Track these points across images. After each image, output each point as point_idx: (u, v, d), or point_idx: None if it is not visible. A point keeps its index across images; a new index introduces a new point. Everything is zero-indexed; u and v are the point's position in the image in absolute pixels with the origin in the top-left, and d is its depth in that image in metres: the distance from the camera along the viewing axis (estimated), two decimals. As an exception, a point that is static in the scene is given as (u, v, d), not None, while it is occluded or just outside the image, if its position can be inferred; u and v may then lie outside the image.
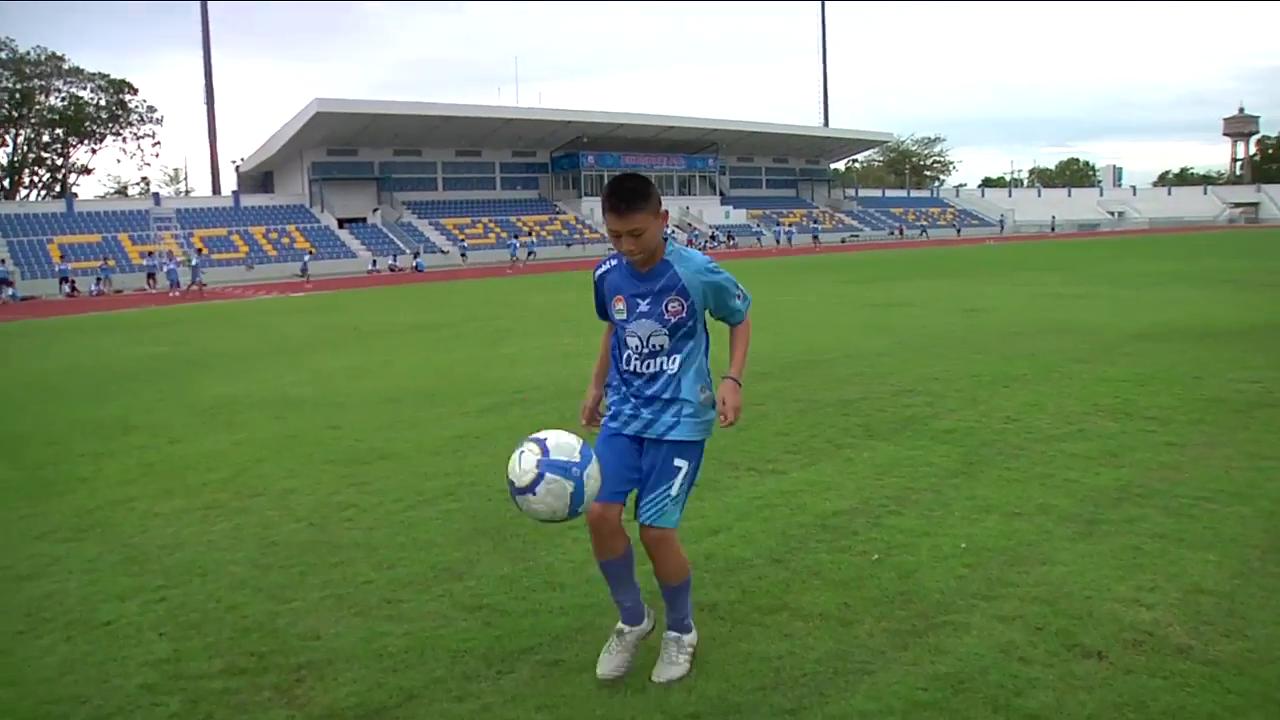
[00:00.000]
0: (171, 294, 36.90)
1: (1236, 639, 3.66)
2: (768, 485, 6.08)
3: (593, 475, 3.30)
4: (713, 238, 64.47)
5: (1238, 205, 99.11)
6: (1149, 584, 4.19)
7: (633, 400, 3.58)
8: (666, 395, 3.53)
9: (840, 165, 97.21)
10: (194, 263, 37.75)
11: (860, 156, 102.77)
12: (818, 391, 9.26)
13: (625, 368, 3.61)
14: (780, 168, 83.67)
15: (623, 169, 68.36)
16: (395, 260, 51.26)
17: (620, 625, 3.66)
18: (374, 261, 50.85)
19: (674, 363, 3.53)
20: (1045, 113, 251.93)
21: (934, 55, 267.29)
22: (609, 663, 3.57)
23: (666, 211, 3.48)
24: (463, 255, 54.54)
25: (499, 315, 20.59)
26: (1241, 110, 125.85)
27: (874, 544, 4.86)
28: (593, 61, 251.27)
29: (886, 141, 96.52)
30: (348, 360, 13.65)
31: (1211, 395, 8.26)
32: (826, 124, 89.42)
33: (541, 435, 3.39)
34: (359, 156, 61.41)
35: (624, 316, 3.56)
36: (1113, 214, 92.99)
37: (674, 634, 3.65)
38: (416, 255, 51.74)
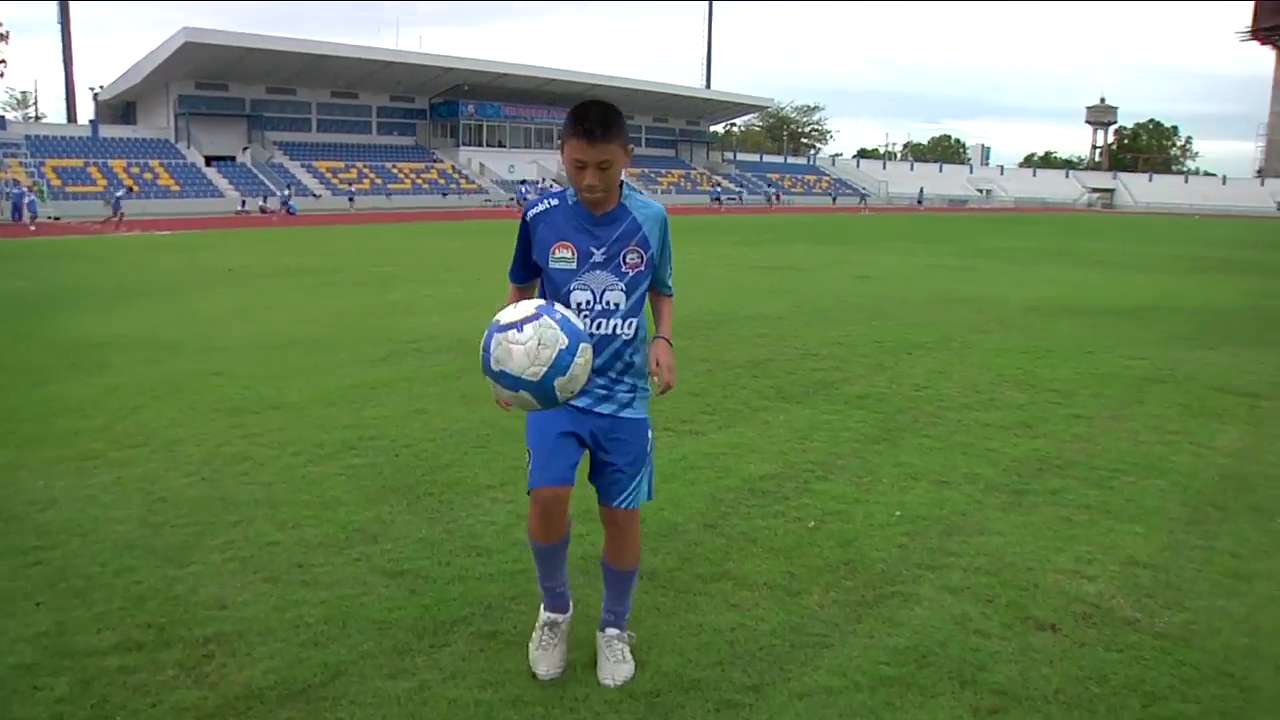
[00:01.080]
0: (30, 226, 34.12)
1: (1178, 611, 3.67)
2: (688, 446, 5.92)
3: (584, 359, 2.80)
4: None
5: (1095, 190, 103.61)
6: (1086, 556, 4.19)
7: None
8: (620, 364, 3.10)
9: (719, 128, 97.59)
10: (118, 194, 35.39)
11: (740, 120, 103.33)
12: (724, 352, 9.14)
13: None
14: (660, 127, 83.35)
15: (503, 119, 67.28)
16: (265, 201, 49.10)
17: (550, 616, 3.22)
18: (243, 202, 48.59)
19: (629, 327, 3.08)
20: (922, 89, 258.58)
21: (817, 25, 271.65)
22: (547, 660, 3.17)
23: (632, 148, 3.13)
24: (350, 200, 52.50)
25: (381, 261, 19.87)
26: (1103, 100, 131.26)
27: (808, 510, 4.75)
28: (476, 8, 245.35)
29: (767, 107, 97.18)
30: (226, 303, 12.89)
31: (1106, 370, 8.49)
32: (708, 86, 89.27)
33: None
34: (229, 92, 58.24)
35: (570, 267, 3.02)
36: (981, 191, 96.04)
37: (616, 631, 3.27)
38: (287, 198, 49.67)
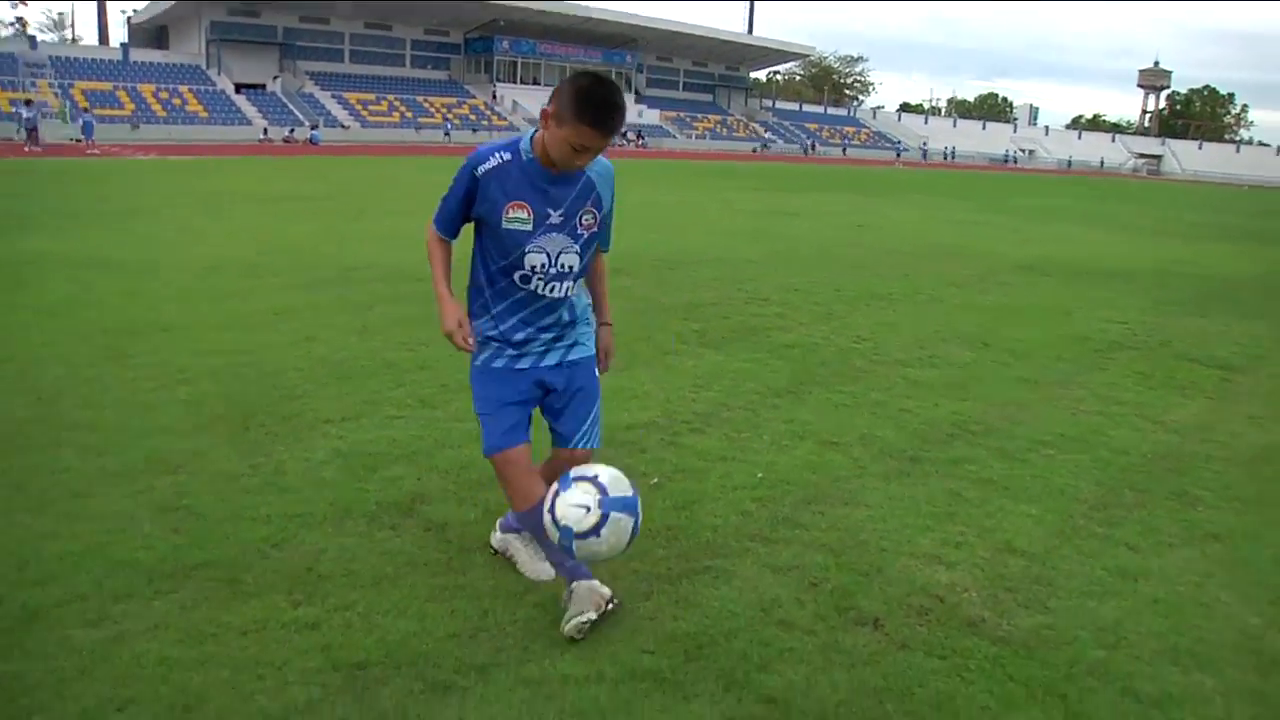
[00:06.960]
0: (27, 148, 32.55)
1: (1036, 612, 3.14)
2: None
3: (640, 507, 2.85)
4: (623, 135, 63.00)
5: (1142, 156, 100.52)
6: (956, 538, 3.66)
7: (525, 330, 2.94)
8: (569, 317, 3.00)
9: (760, 75, 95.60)
10: (83, 120, 34.78)
11: (781, 68, 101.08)
12: (667, 294, 8.61)
13: (521, 289, 2.87)
14: (699, 71, 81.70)
15: (539, 57, 66.12)
16: (291, 132, 48.61)
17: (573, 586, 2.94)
18: (265, 130, 48.03)
19: (576, 288, 2.98)
20: (972, 44, 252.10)
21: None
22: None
23: None
24: (446, 135, 50.83)
25: (373, 191, 19.37)
26: (1157, 63, 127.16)
27: (660, 466, 4.24)
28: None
29: (809, 55, 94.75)
30: (190, 225, 12.47)
31: (1077, 332, 7.86)
32: (750, 31, 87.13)
33: (590, 472, 2.81)
34: (261, 19, 57.52)
35: (527, 228, 2.80)
36: (1023, 151, 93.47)
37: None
38: (314, 127, 49.15)
